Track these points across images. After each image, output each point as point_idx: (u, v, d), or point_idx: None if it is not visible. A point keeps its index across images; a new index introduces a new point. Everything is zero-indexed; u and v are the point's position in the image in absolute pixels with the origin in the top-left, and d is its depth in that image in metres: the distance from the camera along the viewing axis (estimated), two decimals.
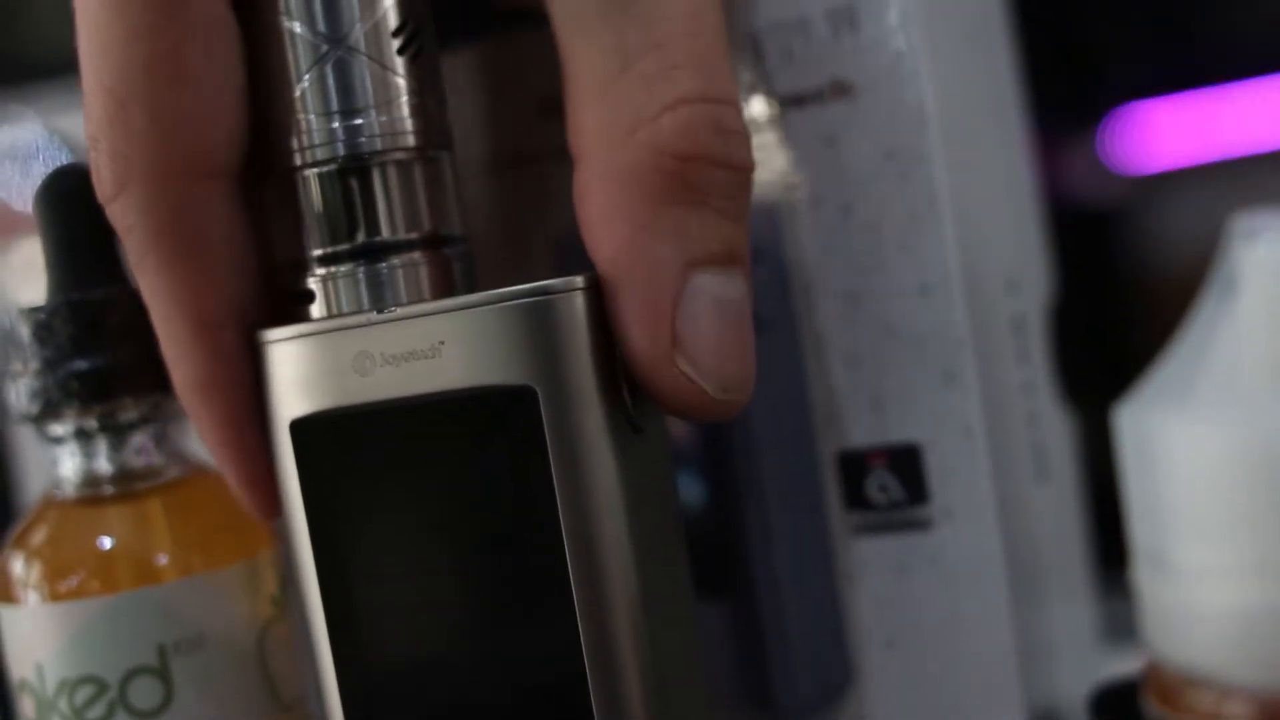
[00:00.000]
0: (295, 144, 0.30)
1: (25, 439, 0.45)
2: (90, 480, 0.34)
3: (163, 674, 0.33)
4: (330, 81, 0.30)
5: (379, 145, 0.30)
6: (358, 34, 0.29)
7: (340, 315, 0.30)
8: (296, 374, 0.30)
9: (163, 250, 0.30)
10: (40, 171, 0.45)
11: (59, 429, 0.34)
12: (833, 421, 0.35)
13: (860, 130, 0.35)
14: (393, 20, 0.30)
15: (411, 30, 0.30)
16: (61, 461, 0.34)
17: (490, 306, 0.28)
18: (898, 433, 0.35)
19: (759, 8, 0.35)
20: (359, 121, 0.30)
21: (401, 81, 0.30)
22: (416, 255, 0.30)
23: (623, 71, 0.28)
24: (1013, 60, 0.41)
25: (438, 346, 0.28)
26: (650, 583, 0.29)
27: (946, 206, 0.34)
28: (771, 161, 0.35)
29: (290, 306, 0.31)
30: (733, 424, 0.36)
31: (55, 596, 0.33)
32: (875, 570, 0.35)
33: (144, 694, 0.32)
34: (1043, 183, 0.42)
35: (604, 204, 0.28)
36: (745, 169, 0.29)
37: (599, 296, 0.28)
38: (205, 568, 0.33)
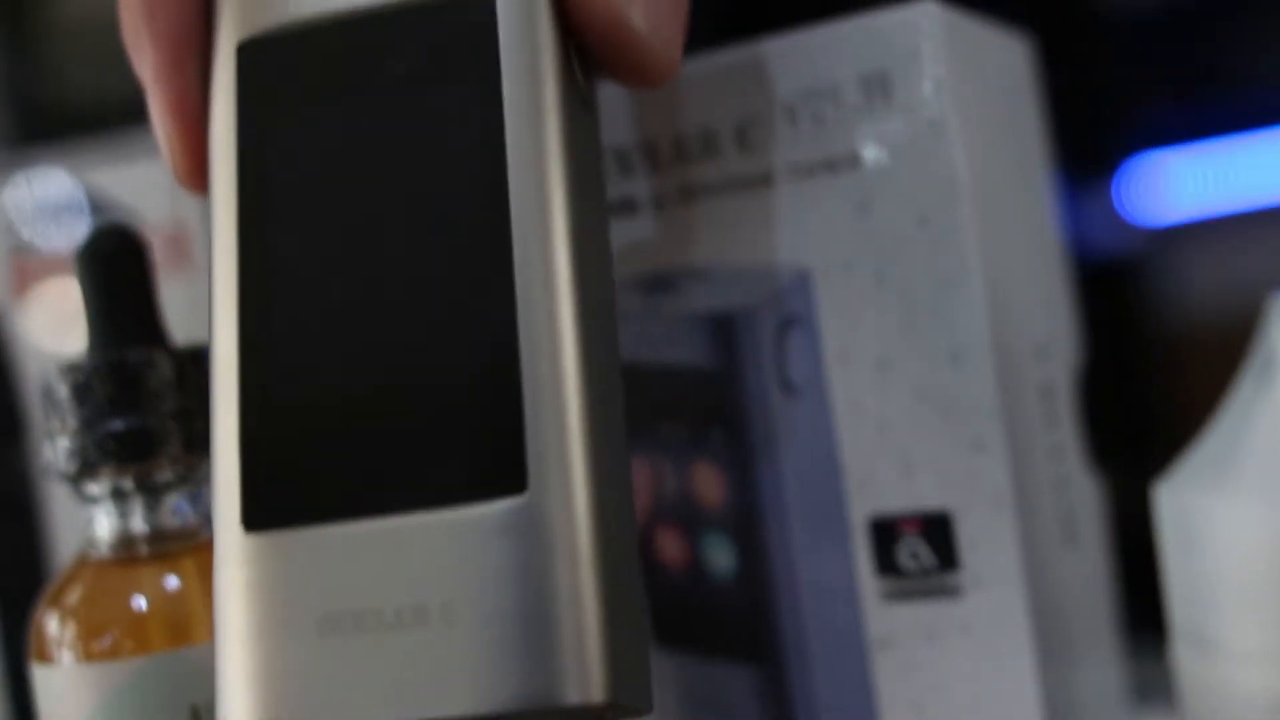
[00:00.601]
0: None
1: (57, 497, 0.45)
2: (125, 540, 0.34)
3: None
4: None
5: None
6: None
7: None
8: None
9: None
10: (70, 222, 0.46)
11: (95, 488, 0.34)
12: (864, 487, 0.36)
13: (893, 197, 0.35)
14: None
15: None
16: (97, 521, 0.34)
17: None
18: (928, 499, 0.35)
19: (792, 74, 0.36)
20: None
21: None
22: None
23: None
24: (1042, 126, 0.41)
25: None
26: (585, 267, 0.28)
27: (978, 274, 0.34)
28: (805, 227, 0.36)
29: None
30: (764, 488, 0.36)
31: (89, 656, 0.33)
32: (905, 636, 0.35)
33: None
34: (1061, 234, 0.42)
35: None
36: None
37: None
38: None
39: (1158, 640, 0.35)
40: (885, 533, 0.35)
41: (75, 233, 0.45)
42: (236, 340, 0.29)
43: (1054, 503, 0.38)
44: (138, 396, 0.33)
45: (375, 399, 0.28)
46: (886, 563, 0.35)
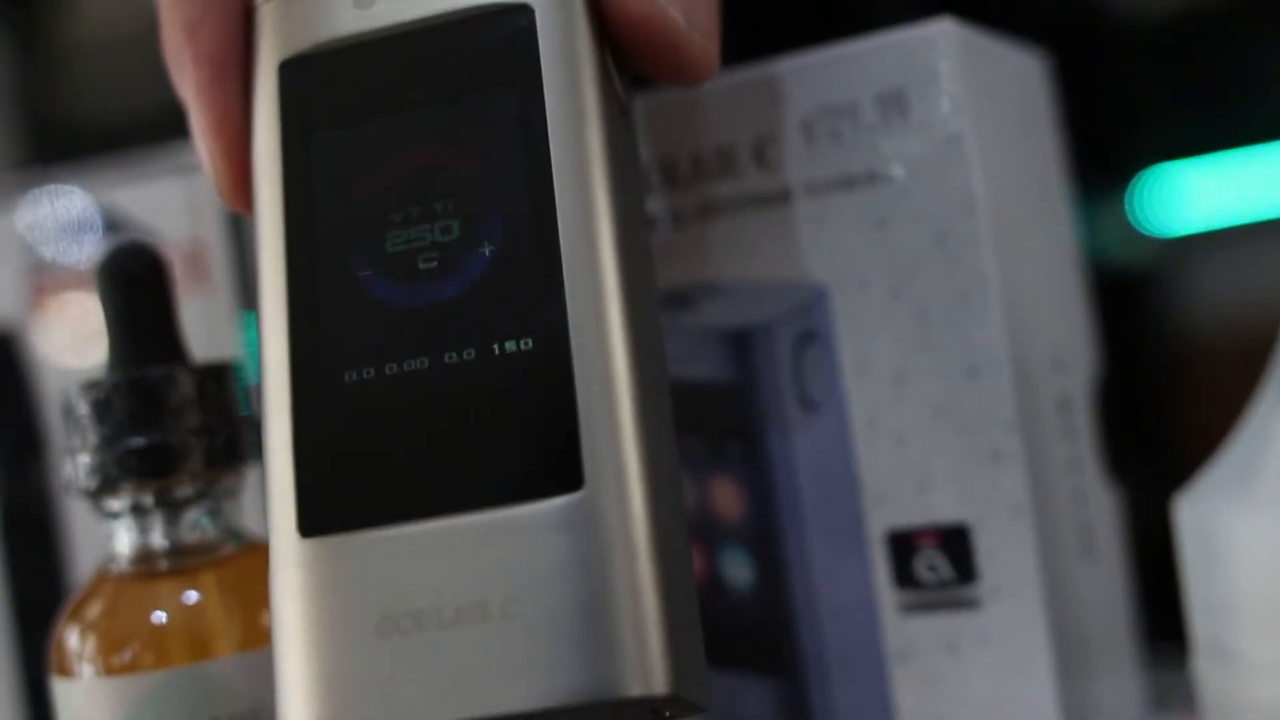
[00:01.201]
0: None
1: (77, 513, 0.45)
2: (145, 555, 0.34)
3: None
4: None
5: None
6: None
7: None
8: (291, 14, 0.30)
9: None
10: (88, 241, 0.46)
11: (115, 504, 0.34)
12: (882, 501, 0.36)
13: (910, 213, 0.35)
14: None
15: None
16: (117, 536, 0.34)
17: None
18: (946, 512, 0.35)
19: (810, 92, 0.36)
20: None
21: None
22: None
23: None
24: (1057, 140, 0.41)
25: None
26: (630, 267, 0.29)
27: (995, 288, 0.34)
28: (822, 243, 0.36)
29: None
30: (782, 501, 0.36)
31: (109, 670, 0.33)
32: (923, 648, 0.36)
33: None
34: (1077, 247, 0.43)
35: None
36: None
37: None
38: (258, 643, 0.33)
39: (1176, 651, 0.35)
40: (903, 545, 0.35)
41: (93, 251, 0.45)
42: (287, 349, 0.29)
43: (1072, 514, 0.38)
44: (158, 413, 0.33)
45: (427, 402, 0.28)
46: (905, 575, 0.35)
